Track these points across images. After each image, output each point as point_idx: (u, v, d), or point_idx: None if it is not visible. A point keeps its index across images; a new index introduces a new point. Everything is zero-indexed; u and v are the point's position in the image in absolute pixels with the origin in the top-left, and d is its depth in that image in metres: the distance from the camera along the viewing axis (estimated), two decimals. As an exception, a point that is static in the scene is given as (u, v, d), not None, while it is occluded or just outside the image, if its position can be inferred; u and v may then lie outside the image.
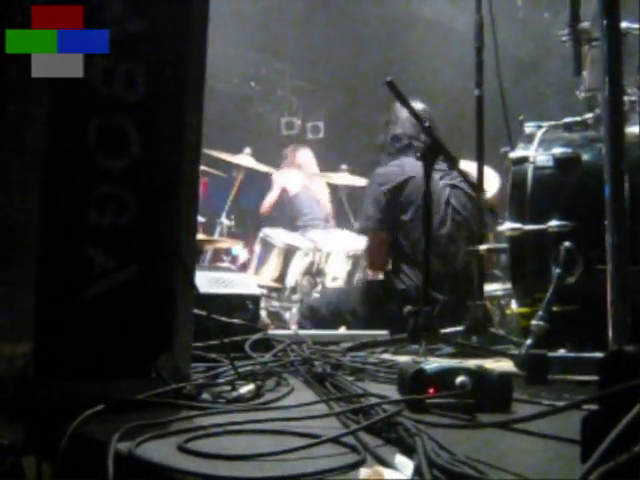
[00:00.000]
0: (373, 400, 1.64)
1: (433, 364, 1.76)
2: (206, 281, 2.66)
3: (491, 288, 4.44)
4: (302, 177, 6.72)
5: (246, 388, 1.80)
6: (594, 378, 1.48)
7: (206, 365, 2.14)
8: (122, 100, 1.71)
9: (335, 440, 1.33)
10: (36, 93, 1.69)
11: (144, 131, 1.73)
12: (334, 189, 6.65)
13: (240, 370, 2.00)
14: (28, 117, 1.70)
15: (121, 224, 1.71)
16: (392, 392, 1.87)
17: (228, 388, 1.83)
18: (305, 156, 7.04)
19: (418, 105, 4.33)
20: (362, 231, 4.25)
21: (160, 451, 1.28)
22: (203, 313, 2.13)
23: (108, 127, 1.70)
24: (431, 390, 1.69)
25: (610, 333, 2.14)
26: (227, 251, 5.77)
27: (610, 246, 2.16)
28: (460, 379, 1.66)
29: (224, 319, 2.50)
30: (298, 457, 1.25)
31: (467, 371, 1.70)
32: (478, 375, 1.70)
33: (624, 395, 1.02)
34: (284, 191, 6.76)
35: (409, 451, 1.23)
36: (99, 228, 1.68)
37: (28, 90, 1.69)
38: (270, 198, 6.83)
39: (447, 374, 1.69)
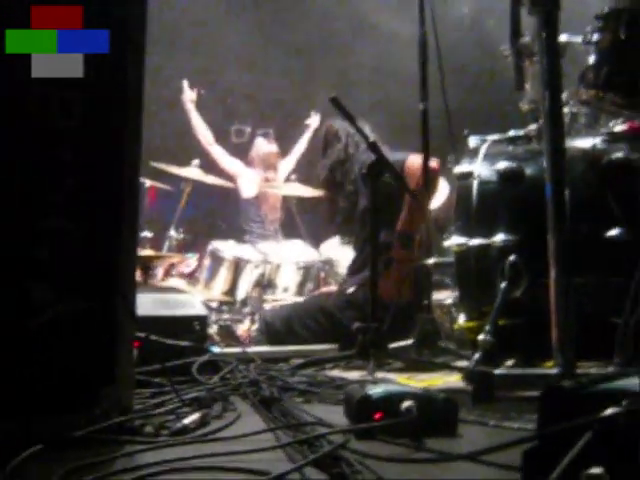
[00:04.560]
0: (319, 430, 1.62)
1: (379, 388, 1.76)
2: (151, 303, 2.62)
3: (441, 297, 4.44)
4: (260, 180, 6.54)
5: (190, 418, 1.77)
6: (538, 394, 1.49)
7: (151, 391, 2.11)
8: (57, 129, 1.68)
9: (280, 479, 1.31)
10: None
11: (81, 160, 1.69)
12: (284, 199, 6.61)
13: (186, 396, 1.98)
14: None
15: (60, 256, 1.67)
16: (340, 415, 1.86)
17: (172, 417, 1.81)
18: (262, 147, 6.74)
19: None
20: None
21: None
22: (150, 337, 2.12)
23: (44, 157, 1.66)
24: (377, 415, 1.68)
25: (554, 341, 2.17)
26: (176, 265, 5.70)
27: (552, 255, 2.19)
28: (406, 404, 1.66)
29: (169, 341, 2.47)
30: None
31: (413, 396, 1.70)
32: (424, 399, 1.71)
33: (563, 432, 1.03)
34: (234, 180, 6.55)
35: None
36: (37, 260, 1.64)
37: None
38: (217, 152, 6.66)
39: (393, 399, 1.69)
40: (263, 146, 6.76)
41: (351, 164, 4.21)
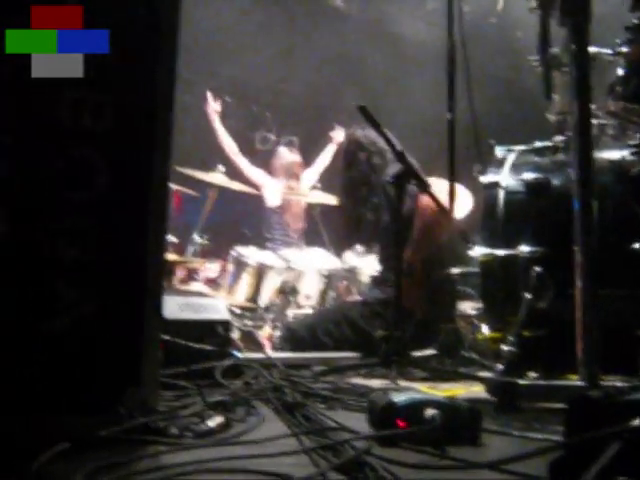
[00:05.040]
0: (343, 435, 1.62)
1: (403, 396, 1.75)
2: (177, 306, 2.64)
3: (463, 307, 4.42)
4: (283, 188, 6.53)
5: (215, 421, 1.77)
6: (563, 406, 1.49)
7: (176, 394, 2.12)
8: (89, 132, 1.70)
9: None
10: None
11: (111, 163, 1.71)
12: (307, 208, 6.61)
13: (210, 399, 1.98)
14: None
15: (87, 256, 1.68)
16: (362, 422, 1.86)
17: (197, 419, 1.81)
18: (285, 157, 6.76)
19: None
20: None
21: (126, 494, 1.25)
22: (174, 340, 2.12)
23: (74, 159, 1.68)
24: (401, 423, 1.68)
25: (579, 353, 2.15)
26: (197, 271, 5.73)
27: (578, 267, 2.18)
28: (430, 412, 1.66)
29: (194, 345, 2.49)
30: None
31: (436, 404, 1.69)
32: (447, 408, 1.70)
33: (590, 441, 1.02)
34: (258, 188, 6.55)
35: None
36: (64, 260, 1.66)
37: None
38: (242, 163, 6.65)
39: (417, 407, 1.69)
40: (286, 155, 6.76)
41: (377, 176, 4.15)
